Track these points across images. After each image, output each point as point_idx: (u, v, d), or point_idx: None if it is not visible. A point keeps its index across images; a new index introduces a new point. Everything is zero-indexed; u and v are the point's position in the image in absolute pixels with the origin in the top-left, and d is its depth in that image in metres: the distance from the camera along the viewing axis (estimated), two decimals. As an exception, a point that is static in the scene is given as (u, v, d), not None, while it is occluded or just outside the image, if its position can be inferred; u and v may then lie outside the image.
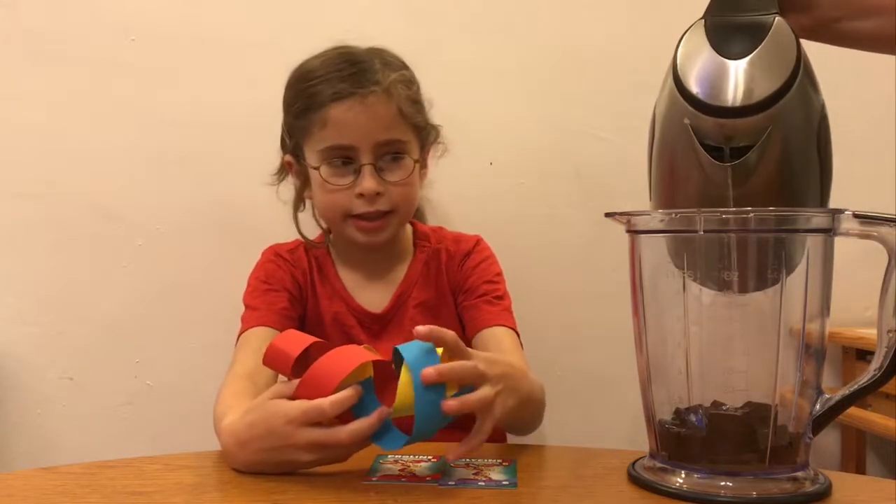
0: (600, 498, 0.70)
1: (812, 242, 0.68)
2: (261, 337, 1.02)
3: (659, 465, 0.72)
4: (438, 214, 1.36)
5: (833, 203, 0.74)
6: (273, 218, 1.29)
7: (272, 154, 1.21)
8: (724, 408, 0.70)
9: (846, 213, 0.66)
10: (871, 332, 1.17)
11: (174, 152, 1.38)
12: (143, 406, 1.39)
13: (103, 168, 1.37)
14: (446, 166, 1.23)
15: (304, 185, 1.12)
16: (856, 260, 0.93)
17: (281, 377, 0.92)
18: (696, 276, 0.69)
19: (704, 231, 0.67)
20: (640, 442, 0.78)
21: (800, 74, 0.69)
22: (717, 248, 0.69)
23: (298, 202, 1.15)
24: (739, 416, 0.69)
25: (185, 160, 1.38)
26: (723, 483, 0.68)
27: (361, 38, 1.11)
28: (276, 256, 1.14)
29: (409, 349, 0.72)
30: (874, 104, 1.39)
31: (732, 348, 0.69)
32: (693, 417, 0.70)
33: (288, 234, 1.18)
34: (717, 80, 0.69)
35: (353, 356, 0.73)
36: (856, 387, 0.70)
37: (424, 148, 1.13)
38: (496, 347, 1.04)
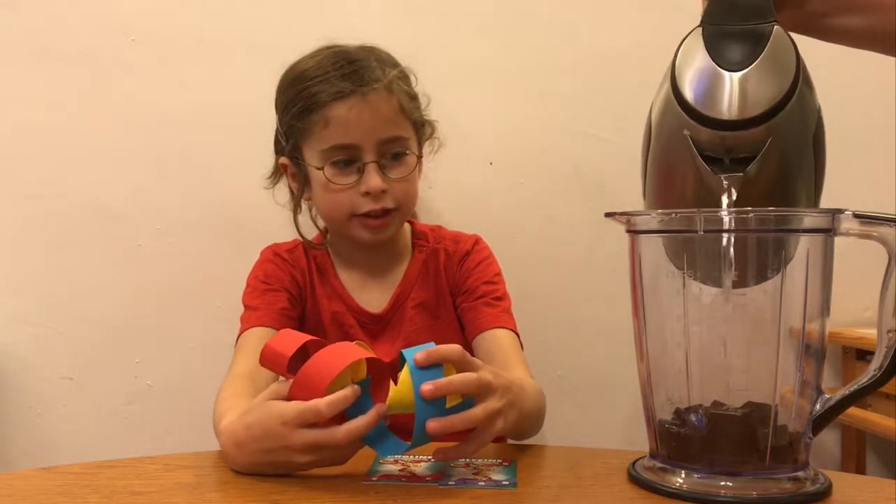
0: (600, 498, 0.70)
1: (812, 242, 0.68)
2: (260, 337, 1.02)
3: (659, 465, 0.72)
4: (438, 215, 1.36)
5: (833, 203, 0.74)
6: (273, 218, 1.29)
7: (272, 154, 1.21)
8: (724, 408, 0.70)
9: (846, 213, 0.66)
10: (871, 332, 1.17)
11: (174, 152, 1.38)
12: (143, 406, 1.39)
13: (103, 168, 1.38)
14: (446, 166, 1.23)
15: (301, 187, 1.11)
16: (856, 260, 0.93)
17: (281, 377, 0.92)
18: (695, 276, 0.69)
19: (704, 231, 0.67)
20: (639, 442, 0.78)
21: (799, 84, 0.68)
22: (717, 249, 0.69)
23: (297, 205, 1.14)
24: (739, 416, 0.69)
25: (185, 160, 1.38)
26: (723, 483, 0.68)
27: (362, 38, 1.11)
28: (275, 256, 1.13)
29: (412, 354, 0.71)
30: (874, 104, 1.39)
31: (733, 348, 0.69)
32: (693, 417, 0.70)
33: (288, 235, 1.18)
34: (716, 93, 0.68)
35: (345, 354, 0.72)
36: (856, 387, 0.70)
37: (421, 144, 1.13)
38: (496, 350, 1.04)
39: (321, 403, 0.70)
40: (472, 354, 1.07)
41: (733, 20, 0.71)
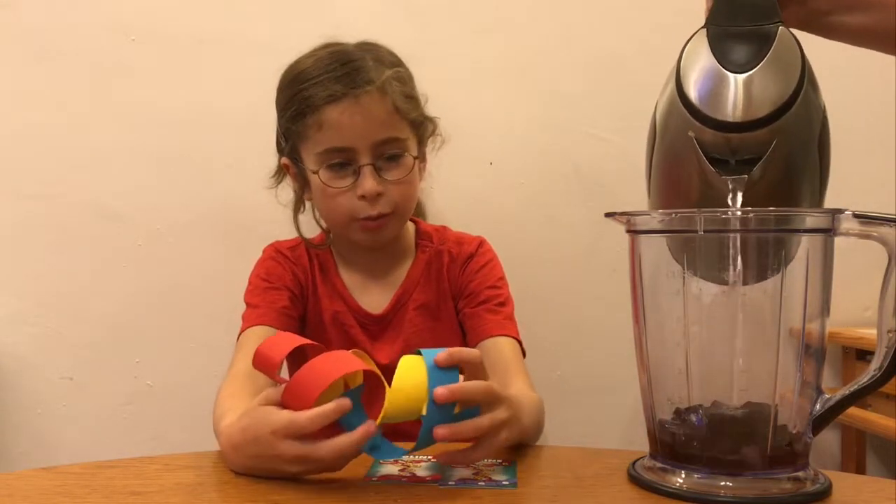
0: (600, 498, 0.70)
1: (812, 242, 0.68)
2: (261, 336, 1.01)
3: (659, 465, 0.72)
4: (438, 215, 1.36)
5: (833, 203, 0.74)
6: (273, 218, 1.29)
7: (272, 154, 1.20)
8: (724, 408, 0.70)
9: (846, 213, 0.66)
10: (871, 332, 1.17)
11: (174, 152, 1.38)
12: (143, 406, 1.39)
13: (103, 168, 1.38)
14: (446, 166, 1.23)
15: (302, 187, 1.11)
16: (856, 260, 0.93)
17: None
18: (695, 276, 0.69)
19: (704, 231, 0.67)
20: (639, 442, 0.78)
21: (804, 85, 0.68)
22: (718, 248, 0.69)
23: (298, 205, 1.14)
24: (739, 416, 0.69)
25: (185, 160, 1.38)
26: (723, 483, 0.67)
27: (362, 37, 1.10)
28: (277, 254, 1.13)
29: (433, 355, 0.71)
30: (874, 104, 1.39)
31: (732, 348, 0.69)
32: (693, 417, 0.70)
33: (288, 235, 1.18)
34: (721, 94, 0.68)
35: (338, 364, 0.71)
36: (856, 387, 0.70)
37: (423, 142, 1.12)
38: (498, 359, 1.03)
39: (303, 418, 0.69)
40: None
41: (738, 21, 0.71)
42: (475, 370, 0.75)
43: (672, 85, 0.71)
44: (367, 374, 0.74)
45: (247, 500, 0.69)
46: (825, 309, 0.70)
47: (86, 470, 0.77)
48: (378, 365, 0.74)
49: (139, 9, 1.38)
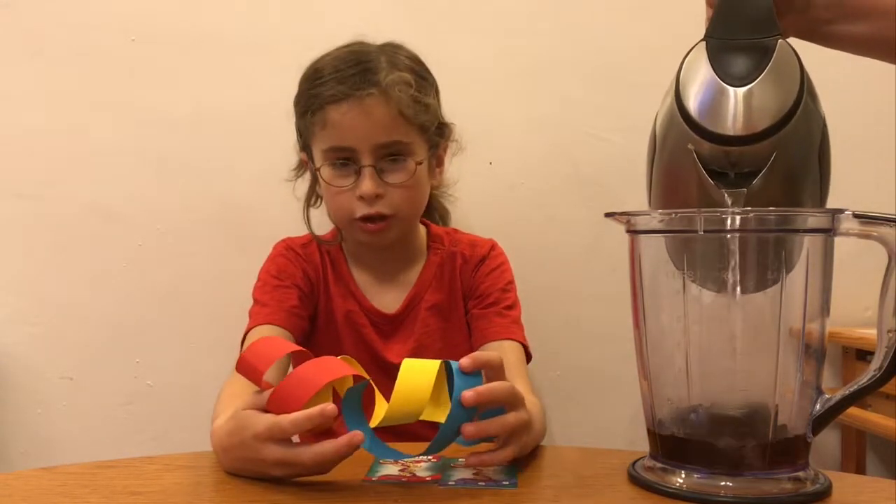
0: (600, 498, 0.70)
1: (812, 242, 0.68)
2: (267, 335, 1.02)
3: (659, 465, 0.72)
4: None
5: (833, 203, 0.74)
6: (273, 218, 1.29)
7: (272, 154, 1.21)
8: (724, 408, 0.70)
9: (846, 213, 0.66)
10: (871, 332, 1.17)
11: (174, 152, 1.38)
12: (143, 406, 1.39)
13: (103, 168, 1.38)
14: (446, 166, 1.23)
15: (315, 182, 1.13)
16: (856, 260, 0.93)
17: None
18: (695, 276, 0.69)
19: (704, 231, 0.67)
20: (640, 442, 0.78)
21: (804, 98, 0.68)
22: (717, 249, 0.69)
23: (310, 198, 1.16)
24: (739, 417, 0.69)
25: (186, 160, 1.38)
26: (723, 483, 0.67)
27: (361, 37, 1.11)
28: (288, 250, 1.13)
29: (457, 364, 0.71)
30: (874, 104, 1.39)
31: (732, 348, 0.69)
32: (693, 417, 0.70)
33: (288, 234, 1.18)
34: (720, 108, 0.68)
35: (326, 371, 0.70)
36: (856, 387, 0.70)
37: (437, 146, 1.11)
38: None
39: (285, 421, 0.68)
40: None
41: (737, 34, 0.70)
42: (497, 373, 0.75)
43: (671, 98, 0.71)
44: (357, 381, 0.74)
45: (247, 500, 0.69)
46: (825, 309, 0.70)
47: (86, 470, 0.77)
48: (389, 364, 0.74)
49: (139, 9, 1.38)
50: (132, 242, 1.38)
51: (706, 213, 0.67)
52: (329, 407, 0.68)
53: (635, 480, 0.72)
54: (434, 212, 1.25)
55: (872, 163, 1.40)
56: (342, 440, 0.68)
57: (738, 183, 0.69)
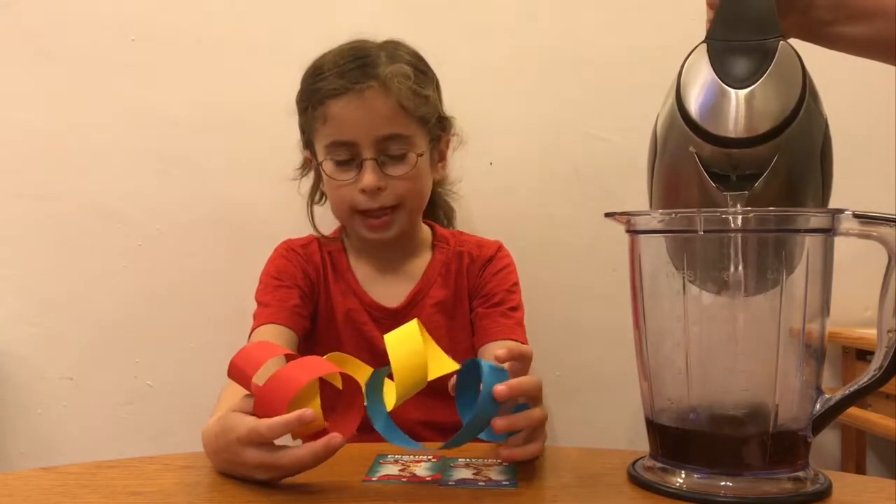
0: (600, 498, 0.70)
1: (812, 242, 0.68)
2: (271, 335, 1.02)
3: (659, 465, 0.72)
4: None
5: (833, 203, 0.74)
6: (273, 217, 1.29)
7: (273, 154, 1.21)
8: (724, 408, 0.70)
9: (846, 213, 0.66)
10: (871, 332, 1.17)
11: (174, 152, 1.38)
12: (143, 406, 1.39)
13: (103, 168, 1.38)
14: (449, 160, 1.23)
15: (318, 179, 1.14)
16: (856, 260, 0.93)
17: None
18: (695, 276, 0.69)
19: (704, 231, 0.67)
20: (640, 442, 0.78)
21: (806, 100, 0.68)
22: (717, 249, 0.69)
23: (313, 195, 1.17)
24: (739, 416, 0.69)
25: (185, 160, 1.38)
26: (723, 483, 0.67)
27: (362, 36, 1.11)
28: (289, 251, 1.14)
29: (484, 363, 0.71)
30: (874, 104, 1.39)
31: (732, 348, 0.69)
32: (693, 417, 0.70)
33: (289, 234, 1.18)
34: (722, 110, 0.68)
35: (309, 370, 0.70)
36: (856, 387, 0.70)
37: (439, 140, 1.12)
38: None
39: (263, 426, 0.68)
40: None
41: (738, 35, 0.70)
42: (525, 366, 0.76)
43: (672, 99, 0.71)
44: (345, 379, 0.73)
45: (246, 500, 0.69)
46: (825, 309, 0.70)
47: (86, 470, 0.77)
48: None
49: (139, 9, 1.38)
50: (132, 242, 1.38)
51: (706, 213, 0.67)
52: (307, 412, 0.67)
53: (635, 480, 0.72)
54: (439, 210, 1.25)
55: (872, 163, 1.40)
56: (319, 443, 0.67)
57: (740, 185, 0.69)
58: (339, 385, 0.74)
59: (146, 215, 1.38)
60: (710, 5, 0.78)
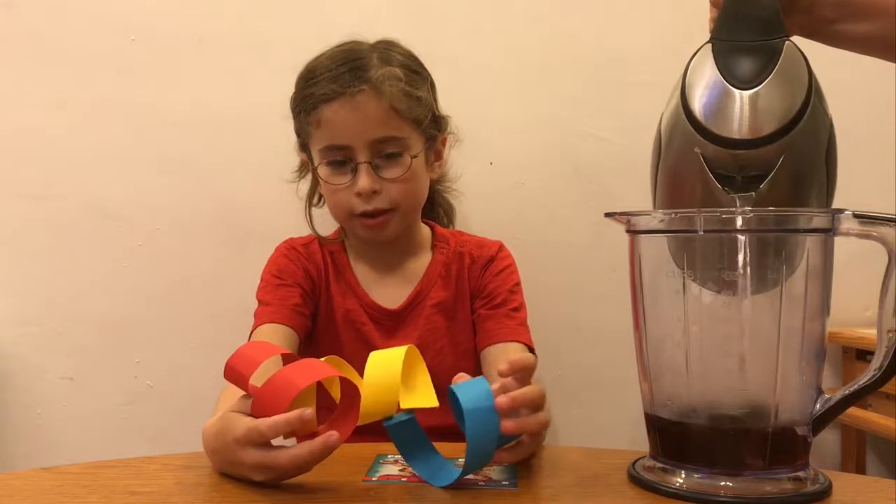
0: (600, 498, 0.70)
1: (812, 242, 0.68)
2: (272, 334, 1.02)
3: (659, 465, 0.72)
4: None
5: (833, 203, 0.74)
6: (273, 217, 1.29)
7: (272, 154, 1.21)
8: (724, 408, 0.70)
9: (846, 213, 0.66)
10: (871, 332, 1.17)
11: (174, 152, 1.38)
12: (143, 406, 1.39)
13: (103, 168, 1.38)
14: (449, 165, 1.23)
15: (316, 182, 1.14)
16: (856, 260, 0.93)
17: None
18: (695, 276, 0.69)
19: (704, 231, 0.67)
20: (640, 442, 0.78)
21: (811, 101, 0.68)
22: (718, 249, 0.69)
23: (311, 197, 1.17)
24: (739, 416, 0.69)
25: (185, 160, 1.38)
26: (723, 483, 0.67)
27: (363, 36, 1.11)
28: (290, 250, 1.14)
29: (464, 391, 0.69)
30: (874, 104, 1.39)
31: (732, 348, 0.69)
32: (693, 417, 0.70)
33: (289, 234, 1.18)
34: (727, 111, 0.68)
35: (307, 374, 0.69)
36: (856, 387, 0.70)
37: (434, 139, 1.12)
38: (502, 362, 1.03)
39: (263, 425, 0.67)
40: (481, 362, 1.08)
41: (743, 35, 0.70)
42: (527, 378, 0.75)
43: (676, 100, 0.71)
44: (343, 382, 0.73)
45: (247, 500, 0.69)
46: (825, 309, 0.70)
47: (86, 470, 0.77)
48: None
49: (139, 9, 1.38)
50: (132, 242, 1.38)
51: (706, 213, 0.67)
52: (308, 411, 0.67)
53: (635, 480, 0.72)
54: (438, 208, 1.25)
55: (873, 163, 1.40)
56: (317, 441, 0.67)
57: (746, 187, 0.69)
58: (336, 390, 0.74)
59: (146, 215, 1.38)
60: (714, 4, 0.78)
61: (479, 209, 1.38)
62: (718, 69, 0.69)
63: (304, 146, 1.12)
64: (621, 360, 0.95)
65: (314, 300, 1.11)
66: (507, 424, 0.69)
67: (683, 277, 0.69)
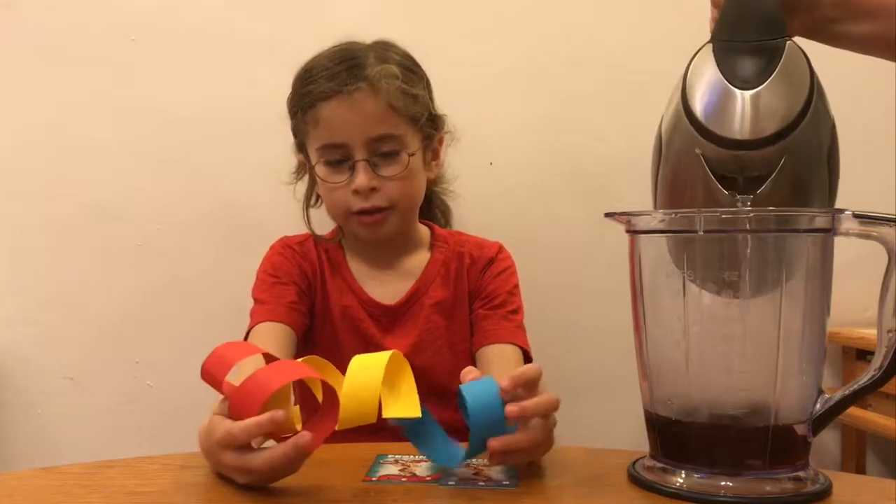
0: (600, 498, 0.70)
1: (812, 242, 0.68)
2: (269, 332, 1.02)
3: (659, 465, 0.72)
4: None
5: (836, 202, 0.74)
6: (273, 217, 1.29)
7: (272, 154, 1.21)
8: (724, 407, 0.70)
9: (846, 213, 0.66)
10: (871, 332, 1.17)
11: (174, 152, 1.38)
12: (143, 406, 1.39)
13: (103, 168, 1.38)
14: (446, 166, 1.23)
15: (313, 182, 1.14)
16: (856, 260, 0.93)
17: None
18: (695, 276, 0.69)
19: (704, 231, 0.67)
20: (640, 442, 0.78)
21: (813, 101, 0.68)
22: (718, 249, 0.69)
23: (309, 197, 1.17)
24: (739, 416, 0.69)
25: (186, 160, 1.38)
26: (723, 483, 0.67)
27: (363, 37, 1.11)
28: (285, 248, 1.14)
29: (472, 393, 0.70)
30: (874, 104, 1.39)
31: (732, 348, 0.69)
32: (693, 417, 0.70)
33: (289, 233, 1.18)
34: (728, 112, 0.68)
35: (281, 374, 0.69)
36: (856, 387, 0.69)
37: (431, 138, 1.12)
38: (501, 365, 1.03)
39: (237, 428, 0.67)
40: (476, 362, 1.08)
41: (745, 35, 0.70)
42: (533, 391, 0.74)
43: (677, 100, 0.71)
44: (323, 385, 0.71)
45: (247, 499, 0.69)
46: (825, 309, 0.70)
47: (86, 470, 0.77)
48: None
49: (139, 9, 1.38)
50: (132, 242, 1.38)
51: (706, 213, 0.67)
52: (279, 413, 0.66)
53: (635, 480, 0.72)
54: (435, 209, 1.25)
55: (873, 163, 1.40)
56: (289, 443, 0.66)
57: (747, 188, 0.69)
58: (319, 390, 0.73)
59: (146, 215, 1.38)
60: (715, 5, 0.77)
61: (478, 209, 1.38)
62: (720, 69, 0.69)
63: (301, 146, 1.12)
64: (621, 360, 0.95)
65: (310, 297, 1.11)
66: (512, 409, 0.69)
67: (683, 277, 0.69)
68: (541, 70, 1.42)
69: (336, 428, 0.68)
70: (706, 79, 0.69)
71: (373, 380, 0.68)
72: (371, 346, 1.09)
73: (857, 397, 0.70)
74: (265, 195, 1.36)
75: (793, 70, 0.68)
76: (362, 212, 1.06)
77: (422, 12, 1.40)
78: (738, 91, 0.68)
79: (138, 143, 1.38)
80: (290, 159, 1.19)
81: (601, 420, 1.43)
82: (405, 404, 0.72)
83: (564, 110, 1.42)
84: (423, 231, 1.18)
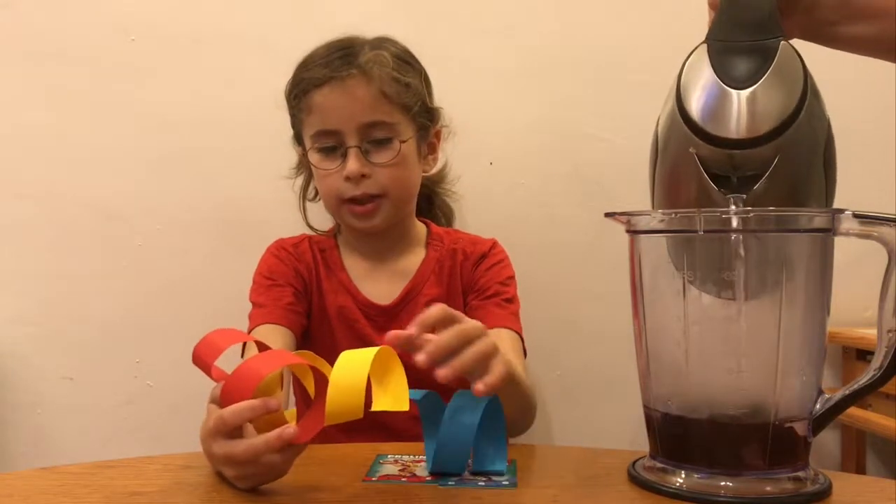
0: (600, 498, 0.70)
1: (812, 242, 0.68)
2: (268, 334, 1.02)
3: (659, 465, 0.72)
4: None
5: (833, 203, 0.74)
6: (273, 217, 1.29)
7: (272, 153, 1.21)
8: (724, 407, 0.70)
9: (846, 213, 0.66)
10: (871, 332, 1.17)
11: (174, 152, 1.38)
12: (143, 406, 1.39)
13: (103, 168, 1.38)
14: (448, 167, 1.23)
15: (310, 175, 1.15)
16: (856, 260, 0.93)
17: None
18: (695, 276, 0.69)
19: (704, 231, 0.67)
20: (640, 442, 0.78)
21: (807, 99, 0.68)
22: (717, 249, 0.69)
23: (306, 189, 1.18)
24: (739, 416, 0.69)
25: (185, 160, 1.38)
26: (723, 483, 0.68)
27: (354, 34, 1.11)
28: (279, 250, 1.14)
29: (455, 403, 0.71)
30: (874, 104, 1.39)
31: (732, 348, 0.69)
32: (693, 417, 0.70)
33: (290, 233, 1.18)
34: (723, 111, 0.68)
35: (271, 362, 0.69)
36: (856, 387, 0.70)
37: (427, 130, 1.12)
38: None
39: (227, 412, 0.66)
40: None
41: (739, 36, 0.70)
42: (448, 324, 0.71)
43: (673, 101, 0.71)
44: (319, 379, 0.71)
45: (247, 499, 0.69)
46: (825, 309, 0.70)
47: (86, 470, 0.77)
48: None
49: (139, 9, 1.38)
50: (132, 242, 1.38)
51: (706, 213, 0.67)
52: (272, 400, 0.66)
53: (635, 480, 0.72)
54: (437, 210, 1.26)
55: (873, 163, 1.40)
56: (272, 434, 0.66)
57: (741, 187, 0.69)
58: (311, 384, 0.73)
59: (146, 215, 1.38)
60: (711, 6, 0.78)
61: (478, 209, 1.38)
62: (714, 70, 0.69)
63: (298, 138, 1.13)
64: (621, 360, 0.95)
65: (307, 299, 1.11)
66: (441, 372, 0.67)
67: (683, 277, 0.69)
68: (541, 70, 1.41)
69: (325, 423, 0.68)
70: (701, 79, 0.70)
71: (358, 374, 0.67)
72: (367, 345, 1.08)
73: (857, 397, 0.70)
74: (265, 195, 1.35)
75: (786, 70, 0.69)
76: (354, 200, 1.06)
77: (422, 12, 1.40)
78: (732, 91, 0.68)
79: (138, 143, 1.38)
80: (290, 159, 1.19)
81: (601, 420, 1.43)
82: (394, 398, 0.71)
83: (564, 110, 1.42)
84: (420, 228, 1.18)
